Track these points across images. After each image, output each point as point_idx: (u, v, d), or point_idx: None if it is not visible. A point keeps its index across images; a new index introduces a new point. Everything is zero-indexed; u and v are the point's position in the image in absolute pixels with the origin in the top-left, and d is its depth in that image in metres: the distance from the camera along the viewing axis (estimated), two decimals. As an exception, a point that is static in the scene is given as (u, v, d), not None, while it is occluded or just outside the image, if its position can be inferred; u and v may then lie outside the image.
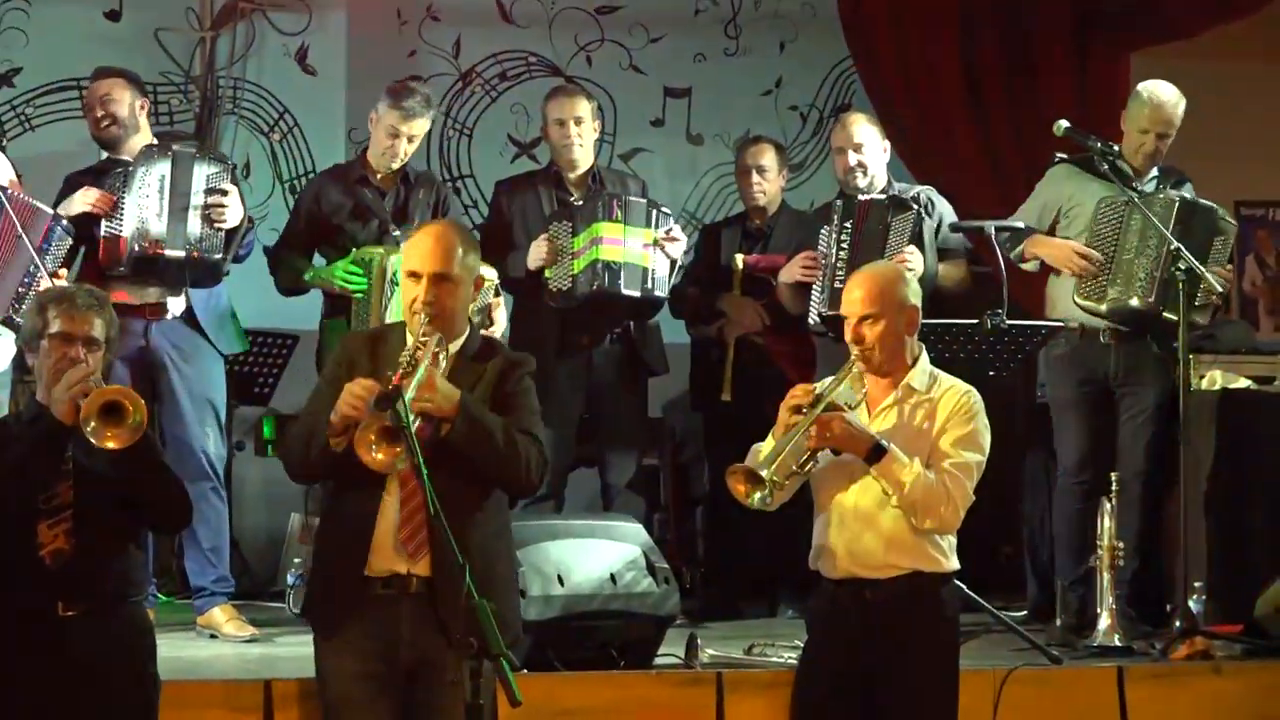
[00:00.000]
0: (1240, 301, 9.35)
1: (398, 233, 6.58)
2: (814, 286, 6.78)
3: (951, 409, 4.82)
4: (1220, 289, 6.46)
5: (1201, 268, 6.28)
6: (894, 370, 4.86)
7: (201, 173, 6.33)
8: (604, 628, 5.66)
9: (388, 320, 6.05)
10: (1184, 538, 6.28)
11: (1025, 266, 6.73)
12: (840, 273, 6.61)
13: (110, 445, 4.38)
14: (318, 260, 6.81)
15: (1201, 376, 6.87)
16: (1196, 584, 6.31)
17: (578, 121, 6.96)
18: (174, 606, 7.00)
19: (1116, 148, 6.60)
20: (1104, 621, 6.20)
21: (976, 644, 6.15)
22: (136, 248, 6.24)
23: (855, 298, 4.85)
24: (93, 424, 4.36)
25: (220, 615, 6.37)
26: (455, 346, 4.57)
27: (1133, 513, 6.47)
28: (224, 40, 8.70)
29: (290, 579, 6.89)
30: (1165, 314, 6.35)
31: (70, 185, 6.41)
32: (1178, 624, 6.19)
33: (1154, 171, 6.70)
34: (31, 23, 8.48)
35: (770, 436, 4.81)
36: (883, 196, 6.83)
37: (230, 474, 6.92)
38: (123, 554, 4.63)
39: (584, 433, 7.07)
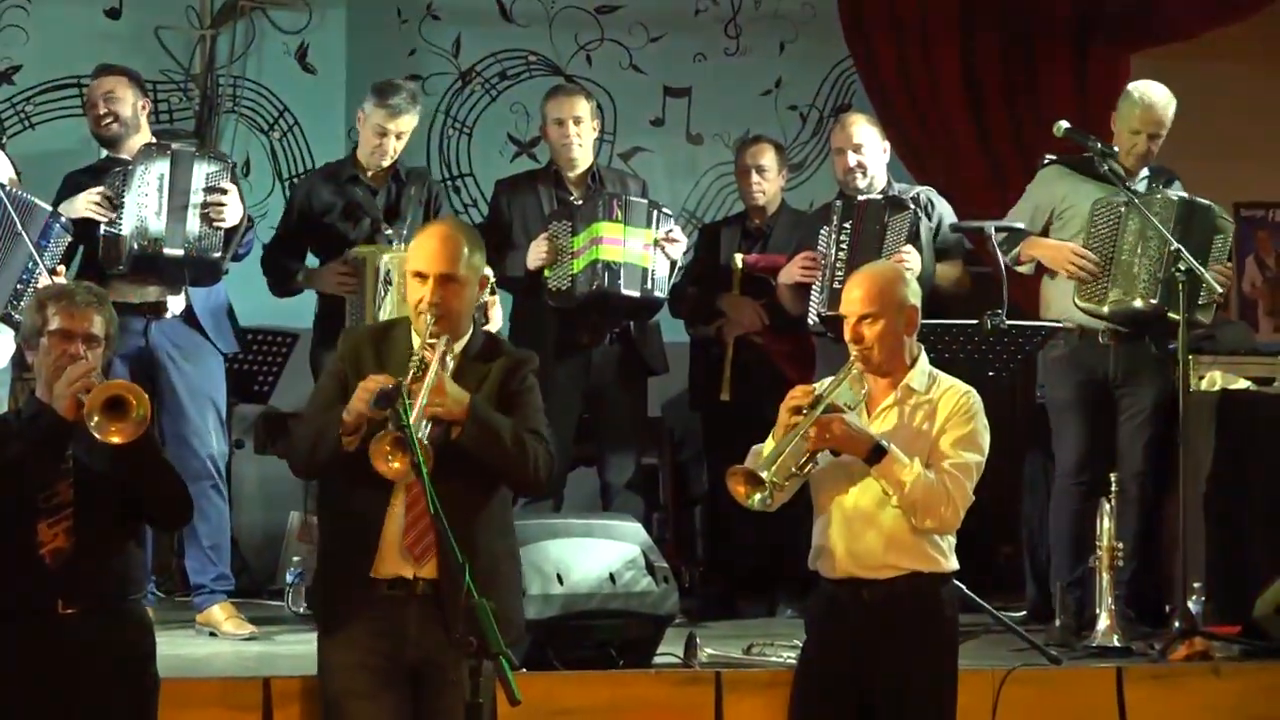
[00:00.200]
0: (1240, 303, 9.35)
1: (389, 231, 6.59)
2: (813, 287, 6.78)
3: (951, 409, 4.82)
4: (1220, 289, 6.46)
5: (1201, 268, 6.28)
6: (893, 370, 4.86)
7: (201, 171, 6.32)
8: (603, 627, 5.66)
9: (381, 319, 6.05)
10: (1183, 538, 6.28)
11: (1020, 269, 6.73)
12: (839, 273, 6.60)
13: (115, 440, 4.37)
14: (311, 261, 6.81)
15: (1201, 377, 6.87)
16: (1195, 585, 6.31)
17: (576, 121, 6.96)
18: (173, 604, 7.00)
19: (1117, 149, 6.60)
20: (1103, 622, 6.20)
21: (975, 644, 6.15)
22: (136, 246, 6.23)
23: (854, 297, 4.85)
24: (96, 418, 4.35)
25: (219, 613, 6.37)
26: (459, 346, 4.55)
27: (1131, 513, 6.48)
28: (224, 38, 8.70)
29: (289, 577, 6.89)
30: (1169, 314, 6.34)
31: (69, 184, 6.41)
32: (1176, 625, 6.19)
33: (1144, 171, 6.70)
34: (32, 20, 8.48)
35: (770, 437, 4.81)
36: (879, 196, 6.83)
37: (229, 472, 6.91)
38: (122, 552, 4.63)
39: (583, 432, 7.06)
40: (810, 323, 6.78)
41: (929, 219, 6.88)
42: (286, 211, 6.97)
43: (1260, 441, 6.81)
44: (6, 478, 4.47)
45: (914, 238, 6.67)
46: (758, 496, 4.71)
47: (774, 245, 7.29)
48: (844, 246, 6.69)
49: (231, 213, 6.33)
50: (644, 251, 6.76)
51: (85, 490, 4.53)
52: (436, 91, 8.97)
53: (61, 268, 6.12)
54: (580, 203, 6.86)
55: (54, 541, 4.50)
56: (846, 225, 6.73)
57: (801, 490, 4.88)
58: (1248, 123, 9.11)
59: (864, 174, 6.90)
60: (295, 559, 7.07)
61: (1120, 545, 6.22)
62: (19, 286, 5.98)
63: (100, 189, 6.27)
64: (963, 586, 5.38)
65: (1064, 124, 6.52)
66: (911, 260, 6.54)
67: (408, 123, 6.67)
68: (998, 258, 6.59)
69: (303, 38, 8.81)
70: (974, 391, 4.88)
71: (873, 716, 4.80)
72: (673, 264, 6.87)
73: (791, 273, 6.89)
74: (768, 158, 7.35)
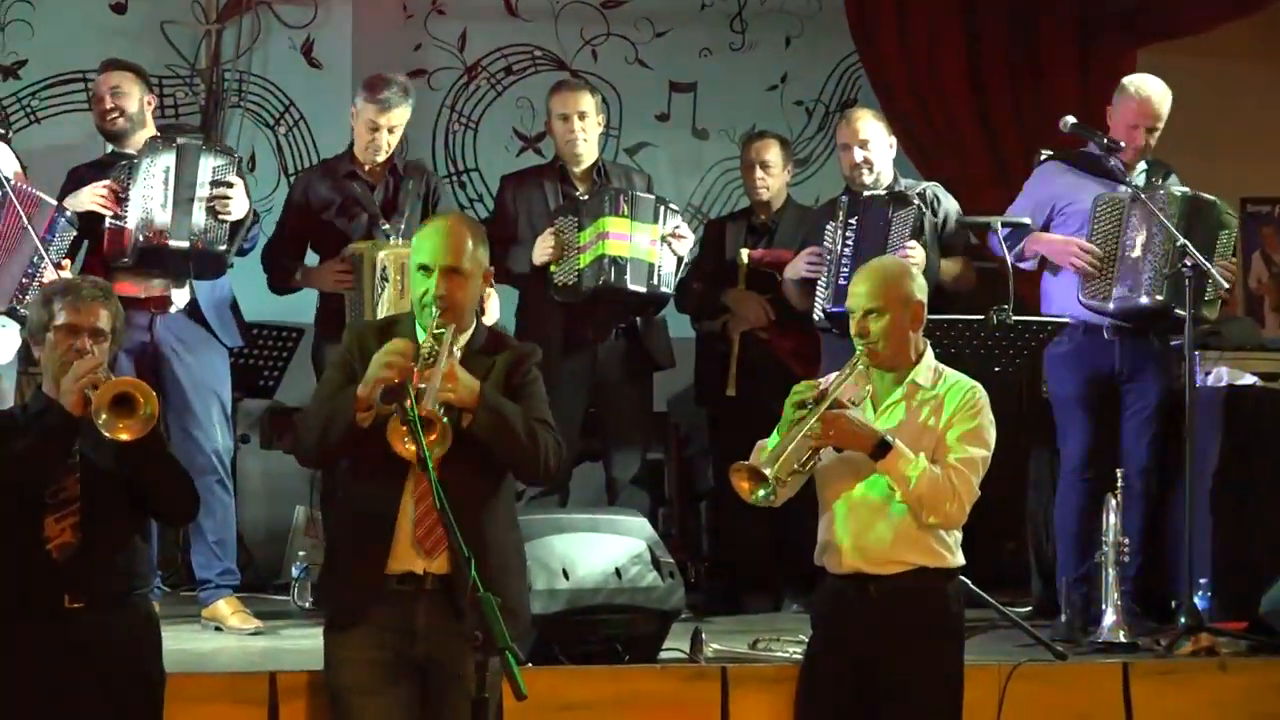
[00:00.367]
0: (1246, 298, 9.34)
1: (387, 226, 6.58)
2: (819, 282, 6.77)
3: (957, 404, 4.81)
4: (1226, 284, 6.45)
5: (1208, 264, 6.27)
6: (899, 365, 4.85)
7: (207, 164, 6.32)
8: (609, 622, 5.65)
9: (380, 315, 6.05)
10: (1189, 534, 6.28)
11: (1023, 265, 6.72)
12: (845, 268, 6.60)
13: (122, 437, 4.37)
14: (312, 258, 6.81)
15: (1207, 373, 6.86)
16: (1201, 580, 6.31)
17: (581, 116, 6.95)
18: (179, 599, 7.00)
19: (1122, 144, 6.59)
20: (1109, 618, 6.19)
21: (981, 639, 6.14)
22: (141, 238, 6.23)
23: (860, 291, 4.84)
24: (104, 415, 4.35)
25: (225, 608, 6.37)
26: (463, 339, 4.56)
27: (1137, 509, 6.47)
28: (230, 33, 8.71)
29: (295, 572, 6.90)
30: (1176, 310, 6.34)
31: (75, 178, 6.40)
32: (1183, 620, 6.18)
33: (1142, 165, 6.68)
34: (37, 15, 8.49)
35: (775, 432, 4.81)
36: (884, 192, 6.82)
37: (235, 467, 6.91)
38: (128, 547, 4.63)
39: (589, 427, 7.06)
40: (816, 318, 6.78)
41: (935, 215, 6.88)
42: (285, 208, 6.97)
43: (1266, 437, 6.80)
44: (13, 473, 4.47)
45: (919, 233, 6.67)
46: (761, 492, 4.70)
47: (779, 240, 7.29)
48: (849, 242, 6.68)
49: (237, 206, 6.33)
50: (650, 247, 6.75)
51: (92, 485, 4.53)
52: (442, 86, 8.98)
53: (67, 262, 6.12)
54: (586, 198, 6.85)
55: (61, 536, 4.50)
56: (852, 221, 6.72)
57: (807, 485, 4.88)
58: (1254, 118, 9.12)
59: (870, 169, 6.89)
60: (301, 554, 7.08)
61: (1126, 541, 6.21)
62: (24, 281, 5.98)
63: (106, 183, 6.27)
64: (968, 582, 5.38)
65: (1070, 119, 6.51)
66: (917, 255, 6.53)
67: (400, 116, 6.66)
68: (1003, 253, 6.58)
69: (309, 32, 8.81)
70: (980, 387, 4.88)
71: (878, 712, 4.80)
72: (679, 259, 6.86)
73: (797, 268, 6.88)
74: (773, 153, 7.35)
